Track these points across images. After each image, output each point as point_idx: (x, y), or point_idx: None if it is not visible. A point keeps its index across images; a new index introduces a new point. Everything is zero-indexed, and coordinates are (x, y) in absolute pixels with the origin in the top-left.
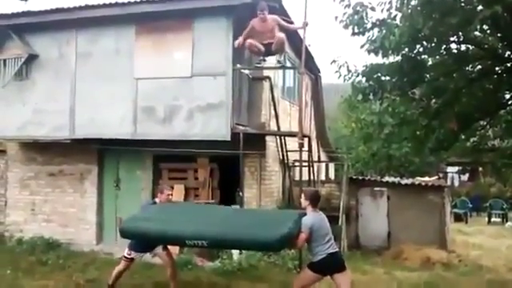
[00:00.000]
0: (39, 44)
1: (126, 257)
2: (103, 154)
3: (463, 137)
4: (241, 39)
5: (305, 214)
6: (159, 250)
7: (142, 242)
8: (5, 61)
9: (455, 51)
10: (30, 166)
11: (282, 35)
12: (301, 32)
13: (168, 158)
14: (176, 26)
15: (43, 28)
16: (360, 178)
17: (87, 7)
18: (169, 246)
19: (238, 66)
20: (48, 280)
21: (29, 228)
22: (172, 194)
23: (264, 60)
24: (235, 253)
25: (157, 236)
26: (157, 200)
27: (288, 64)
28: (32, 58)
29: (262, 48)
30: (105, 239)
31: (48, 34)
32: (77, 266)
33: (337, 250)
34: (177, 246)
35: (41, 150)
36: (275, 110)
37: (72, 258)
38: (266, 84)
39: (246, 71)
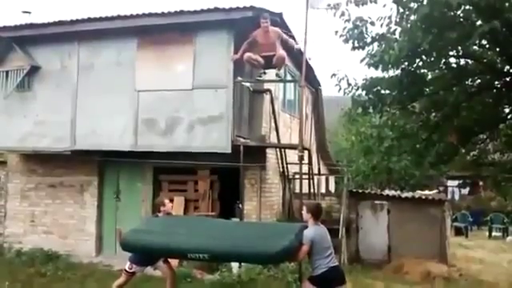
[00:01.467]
0: (41, 56)
1: (126, 270)
2: (103, 165)
3: (463, 150)
4: (238, 55)
5: (306, 227)
6: (160, 262)
7: (144, 255)
8: (7, 72)
9: (454, 65)
10: (30, 177)
11: (283, 52)
12: (301, 46)
13: (168, 169)
14: (177, 39)
15: (46, 40)
16: (360, 191)
17: (89, 20)
18: (169, 259)
19: (239, 78)
20: None
21: (28, 239)
22: (172, 206)
23: (264, 73)
24: (235, 266)
25: (158, 249)
26: (160, 214)
27: (289, 77)
28: (34, 70)
29: (262, 61)
30: (104, 251)
31: (50, 46)
32: (76, 278)
33: (337, 263)
34: (177, 259)
35: (41, 162)
36: (275, 122)
37: (71, 269)
38: (267, 97)
39: (247, 84)
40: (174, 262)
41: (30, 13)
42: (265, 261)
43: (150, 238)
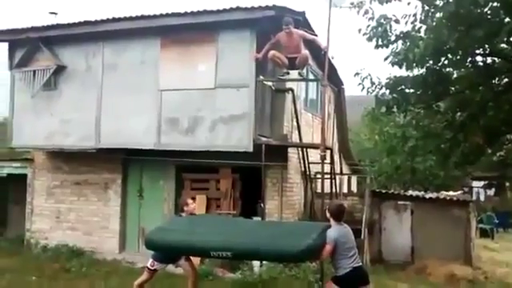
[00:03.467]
0: (67, 56)
1: (149, 268)
2: (127, 163)
3: (489, 151)
4: (260, 55)
5: (330, 227)
6: (182, 260)
7: (167, 253)
8: (34, 72)
9: (481, 64)
10: (56, 174)
11: (306, 52)
12: (324, 44)
13: (191, 168)
14: (200, 38)
15: (71, 40)
16: (383, 191)
17: (114, 20)
18: (191, 257)
19: (261, 77)
20: (72, 287)
21: (54, 235)
22: (195, 206)
23: (288, 73)
24: (256, 265)
25: (182, 247)
26: (183, 214)
27: (311, 76)
28: (60, 70)
29: (286, 61)
30: (127, 248)
31: (76, 46)
32: (100, 274)
33: (361, 263)
34: (200, 257)
35: (67, 159)
36: (297, 121)
37: (95, 266)
38: (289, 96)
39: (269, 83)
40: (195, 260)
41: (56, 14)
42: (288, 259)
43: (174, 237)
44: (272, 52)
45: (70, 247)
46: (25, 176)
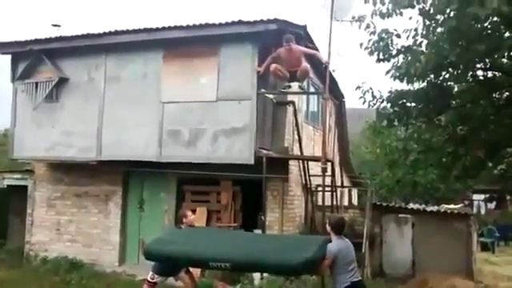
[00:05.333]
0: (70, 68)
1: (149, 281)
2: (128, 175)
3: (490, 164)
4: (262, 68)
5: (330, 240)
6: (182, 273)
7: (167, 264)
8: (37, 84)
9: (482, 78)
10: (56, 186)
11: (307, 65)
12: (325, 59)
13: (192, 180)
14: (202, 51)
15: (74, 52)
16: (384, 204)
17: (116, 33)
18: (191, 270)
19: (263, 90)
20: None
21: (53, 248)
22: (194, 218)
23: (289, 86)
24: (256, 278)
25: (181, 258)
26: (182, 226)
27: (312, 89)
28: (62, 82)
29: (287, 74)
30: (127, 260)
31: (78, 59)
32: (100, 287)
33: (360, 278)
34: (198, 270)
35: (67, 171)
36: (298, 134)
37: (95, 278)
38: (290, 109)
39: (271, 96)
40: (195, 273)
41: (59, 26)
42: (287, 272)
43: (173, 247)
44: (273, 65)
45: (70, 259)
46: (25, 187)
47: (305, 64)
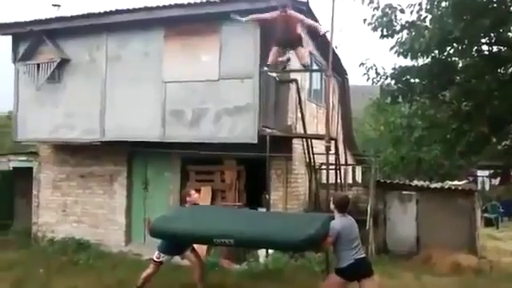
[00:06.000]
0: (71, 48)
1: (155, 260)
2: (132, 156)
3: (494, 140)
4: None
5: (333, 218)
6: (187, 252)
7: (172, 243)
8: (38, 65)
9: (487, 53)
10: (61, 167)
11: (300, 32)
12: (328, 34)
13: (196, 160)
14: (203, 29)
15: (74, 33)
16: (388, 181)
17: (117, 12)
18: (196, 248)
19: (265, 68)
20: (79, 280)
21: (60, 229)
22: (198, 196)
23: (289, 59)
24: (261, 255)
25: (185, 235)
26: (186, 205)
27: (315, 66)
28: (64, 62)
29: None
30: (133, 240)
31: (79, 39)
32: (107, 267)
33: (364, 255)
34: (204, 248)
35: (72, 152)
36: (302, 112)
37: (102, 258)
38: (293, 86)
39: (273, 74)
40: (201, 252)
41: (59, 6)
42: (290, 248)
43: (178, 225)
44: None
45: (77, 240)
46: (30, 169)
47: (299, 32)
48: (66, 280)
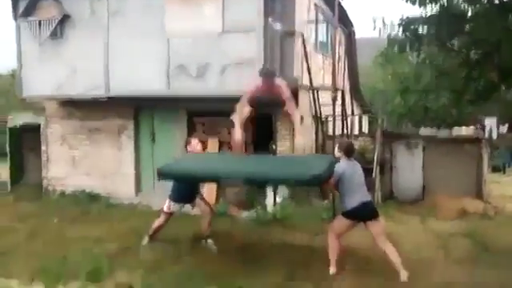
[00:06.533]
0: (71, 2)
1: (165, 211)
2: (138, 109)
3: (503, 87)
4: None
5: (338, 161)
6: (197, 200)
7: (182, 189)
8: (40, 22)
9: (497, 1)
10: (69, 121)
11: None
12: None
13: (202, 113)
14: None
15: None
16: (394, 131)
17: None
18: (205, 197)
19: (270, 20)
20: (93, 229)
21: (70, 182)
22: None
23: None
24: (269, 204)
25: (194, 174)
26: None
27: (321, 18)
28: (65, 18)
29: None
30: (143, 191)
31: None
32: (118, 217)
33: (370, 198)
34: (213, 196)
35: (79, 107)
36: (308, 64)
37: (113, 209)
38: (298, 39)
39: (278, 27)
40: (211, 199)
41: None
42: (296, 183)
43: (186, 165)
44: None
45: (87, 193)
46: (38, 126)
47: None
48: (79, 229)
